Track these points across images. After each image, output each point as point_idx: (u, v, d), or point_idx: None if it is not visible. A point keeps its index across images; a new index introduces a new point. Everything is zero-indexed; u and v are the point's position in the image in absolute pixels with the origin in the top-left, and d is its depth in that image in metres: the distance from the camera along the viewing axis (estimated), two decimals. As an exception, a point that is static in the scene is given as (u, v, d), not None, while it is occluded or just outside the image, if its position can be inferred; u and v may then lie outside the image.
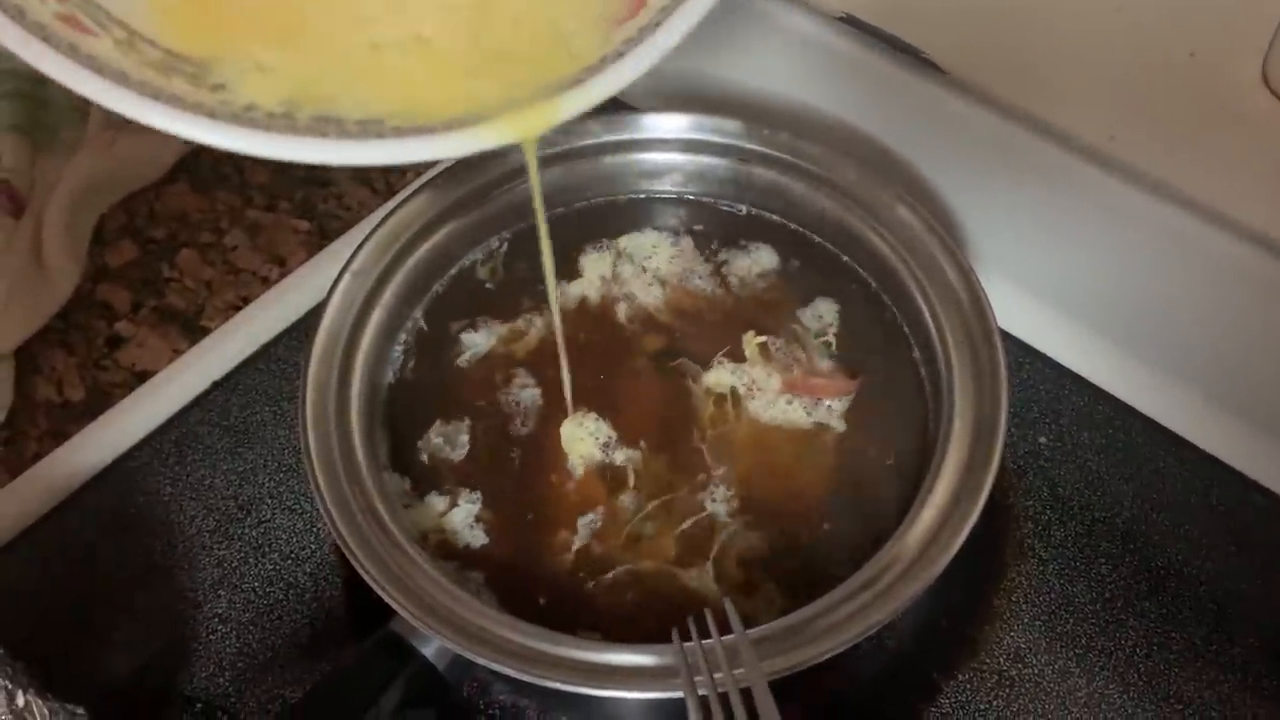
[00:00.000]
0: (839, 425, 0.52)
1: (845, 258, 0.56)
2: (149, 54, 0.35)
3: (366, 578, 0.43)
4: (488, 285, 0.57)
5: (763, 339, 0.54)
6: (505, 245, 0.58)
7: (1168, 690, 0.53)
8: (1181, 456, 0.60)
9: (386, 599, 0.43)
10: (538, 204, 0.45)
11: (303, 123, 0.35)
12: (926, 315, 0.51)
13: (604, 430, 0.52)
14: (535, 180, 0.42)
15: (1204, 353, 0.60)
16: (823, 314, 0.56)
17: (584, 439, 0.52)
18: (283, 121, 0.35)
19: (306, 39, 0.38)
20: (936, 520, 0.45)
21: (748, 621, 0.46)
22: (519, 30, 0.39)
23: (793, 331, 0.55)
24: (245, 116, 0.35)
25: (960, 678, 0.54)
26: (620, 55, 0.37)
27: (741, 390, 0.53)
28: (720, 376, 0.54)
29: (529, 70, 0.38)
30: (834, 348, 0.55)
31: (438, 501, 0.50)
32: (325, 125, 0.35)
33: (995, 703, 0.53)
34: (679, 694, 0.41)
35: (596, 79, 0.36)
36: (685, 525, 0.49)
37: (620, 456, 0.52)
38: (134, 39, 0.35)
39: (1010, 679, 0.54)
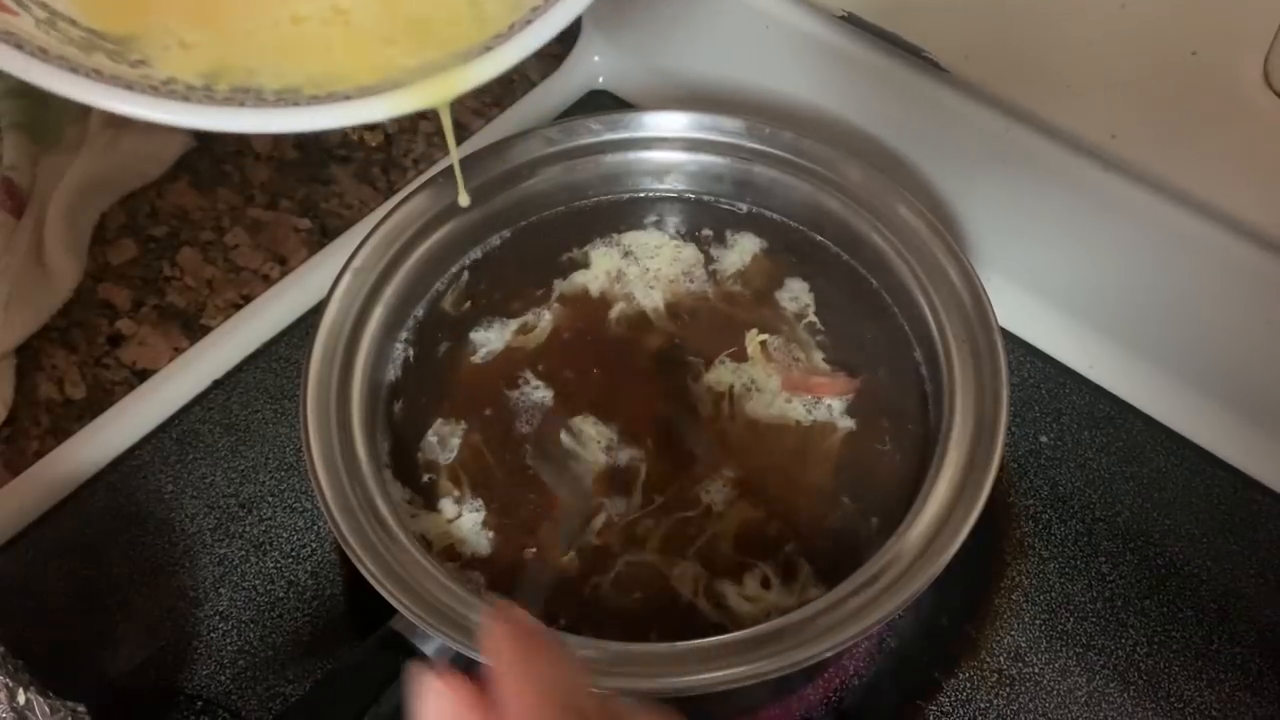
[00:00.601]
0: (840, 424, 0.52)
1: (846, 257, 0.56)
2: (70, 32, 0.36)
3: (367, 576, 0.43)
4: (486, 285, 0.57)
5: (764, 337, 0.54)
6: (498, 243, 0.58)
7: (1168, 689, 0.53)
8: (1182, 455, 0.60)
9: (387, 597, 0.43)
10: (453, 154, 0.47)
11: (221, 94, 0.36)
12: (928, 314, 0.51)
13: (605, 434, 0.52)
14: (450, 134, 0.43)
15: (1205, 351, 0.60)
16: (811, 306, 0.56)
17: (588, 445, 0.51)
18: (202, 93, 0.36)
19: (230, 15, 0.39)
20: (937, 519, 0.45)
21: (750, 620, 0.46)
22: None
23: (792, 330, 0.55)
24: (164, 89, 0.35)
25: (961, 676, 0.54)
26: (528, 22, 0.38)
27: (740, 389, 0.53)
28: (721, 375, 0.54)
29: (442, 38, 0.39)
30: (829, 345, 0.55)
31: (440, 504, 0.50)
32: (244, 95, 0.36)
33: (996, 701, 0.53)
34: (672, 690, 0.41)
35: (506, 45, 0.38)
36: (686, 525, 0.49)
37: (625, 457, 0.51)
38: (55, 18, 0.36)
39: (1011, 677, 0.54)
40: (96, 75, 0.34)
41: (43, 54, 0.34)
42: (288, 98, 0.36)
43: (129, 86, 0.35)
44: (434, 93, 0.38)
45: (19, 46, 0.34)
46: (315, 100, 0.36)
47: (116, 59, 0.36)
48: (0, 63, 0.33)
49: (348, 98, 0.36)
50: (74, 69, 0.34)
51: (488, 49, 0.38)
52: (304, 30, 0.39)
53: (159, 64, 0.37)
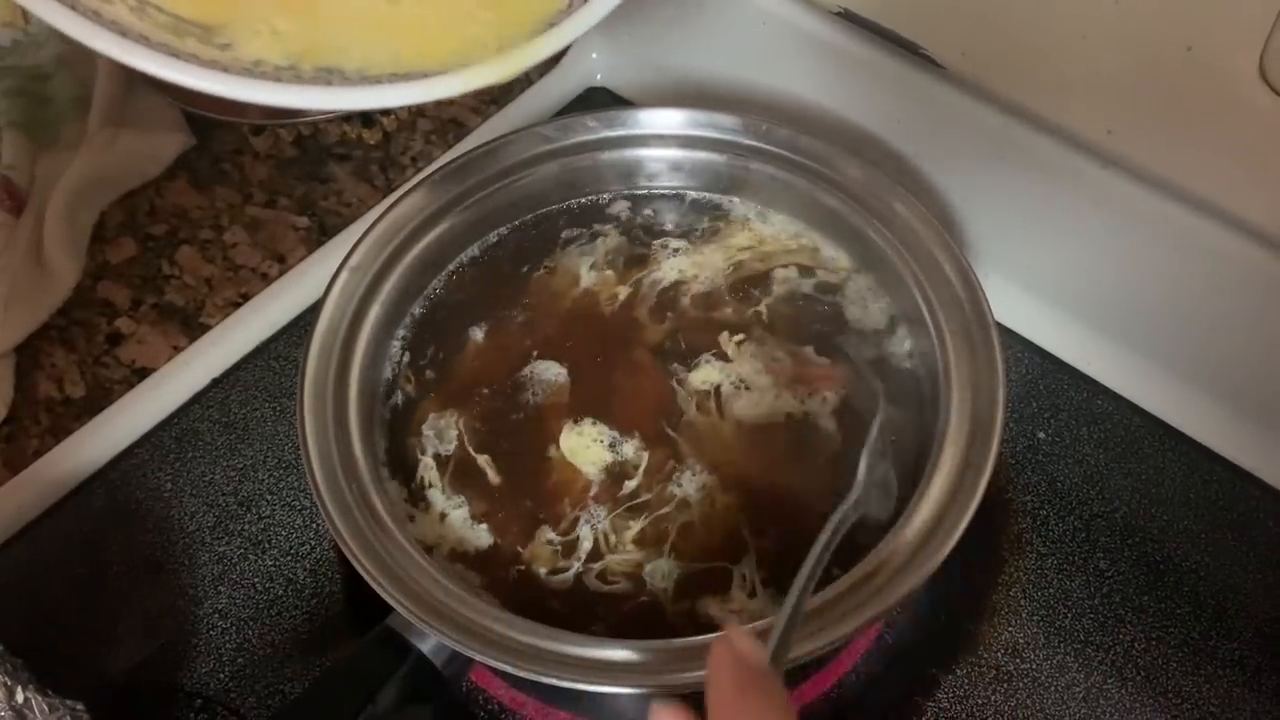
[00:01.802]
0: (833, 419, 0.52)
1: (843, 253, 0.56)
2: (158, 19, 0.37)
3: (364, 574, 0.43)
4: (483, 283, 0.57)
5: (740, 337, 0.54)
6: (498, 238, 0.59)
7: (1166, 685, 0.53)
8: (1180, 451, 0.60)
9: (383, 595, 0.43)
10: None
11: (308, 74, 0.38)
12: (924, 310, 0.51)
13: (605, 431, 0.52)
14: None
15: (1202, 347, 0.60)
16: (808, 301, 0.56)
17: (589, 446, 0.51)
18: (289, 73, 0.37)
19: (325, 4, 0.40)
20: (933, 515, 0.45)
21: (746, 617, 0.46)
22: None
23: (785, 326, 0.55)
24: (255, 70, 0.37)
25: (958, 672, 0.54)
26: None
27: (729, 388, 0.53)
28: (707, 374, 0.53)
29: (519, 16, 0.41)
30: (824, 339, 0.54)
31: (437, 500, 0.50)
32: (329, 75, 0.38)
33: (994, 697, 0.53)
34: (678, 689, 0.41)
35: (568, 21, 0.41)
36: (678, 521, 0.49)
37: (627, 450, 0.51)
38: (144, 5, 0.37)
39: (1008, 673, 0.54)
40: (194, 59, 0.36)
41: (145, 40, 0.35)
42: (370, 77, 0.38)
43: (225, 69, 0.36)
44: (510, 67, 0.39)
45: (123, 34, 0.35)
46: (396, 78, 0.38)
47: (204, 43, 0.37)
48: (106, 49, 0.35)
49: (427, 74, 0.38)
50: (175, 54, 0.36)
51: (551, 25, 0.40)
52: (399, 10, 0.41)
53: (246, 48, 0.38)
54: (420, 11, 0.41)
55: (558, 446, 0.51)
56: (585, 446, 0.51)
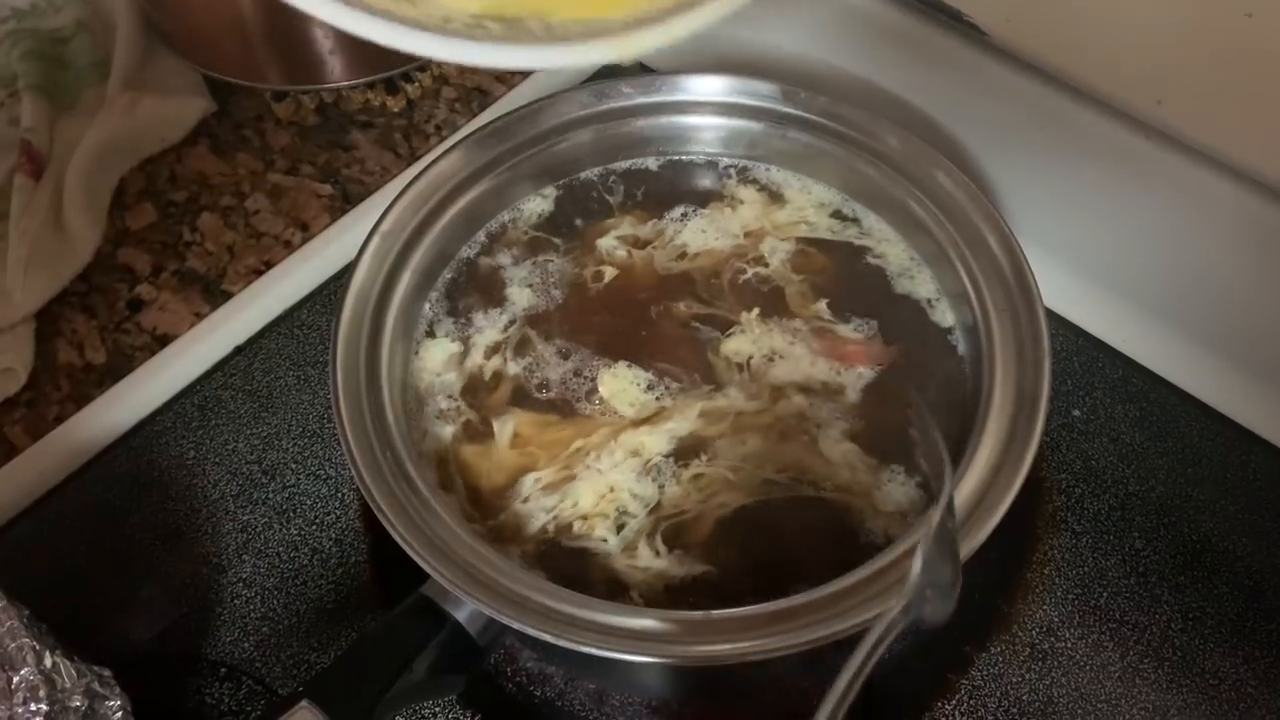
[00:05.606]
0: (873, 395, 0.51)
1: (883, 224, 0.55)
2: None
3: (400, 541, 0.43)
4: (513, 248, 0.56)
5: (770, 309, 0.53)
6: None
7: (1202, 665, 0.52)
8: (1217, 430, 0.59)
9: (421, 563, 0.42)
10: None
11: (496, 32, 0.37)
12: (966, 283, 0.50)
13: (643, 375, 0.51)
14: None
15: (1242, 325, 0.59)
16: (845, 273, 0.55)
17: (627, 387, 0.51)
18: (480, 31, 0.36)
19: None
20: (977, 491, 0.44)
21: (781, 589, 0.46)
22: None
23: (804, 302, 0.54)
24: (449, 29, 0.36)
25: (993, 650, 0.53)
26: None
27: (760, 358, 0.52)
28: (739, 345, 0.53)
29: None
30: (861, 313, 0.54)
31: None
32: (516, 32, 0.37)
33: (1028, 675, 0.52)
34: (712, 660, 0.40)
35: None
36: (720, 496, 0.49)
37: (665, 398, 0.51)
38: None
39: (1043, 652, 0.53)
40: (395, 19, 0.35)
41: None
42: (557, 33, 0.37)
43: (424, 28, 0.36)
44: (685, 27, 0.38)
45: None
46: (586, 36, 0.37)
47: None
48: (312, 9, 0.35)
49: (611, 33, 0.37)
50: (372, 13, 0.35)
51: None
52: None
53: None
54: None
55: (594, 410, 0.51)
56: (623, 389, 0.51)
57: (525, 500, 0.48)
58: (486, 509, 0.48)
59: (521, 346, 0.53)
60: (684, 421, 0.50)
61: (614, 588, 0.46)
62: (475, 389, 0.52)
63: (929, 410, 0.41)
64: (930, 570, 0.37)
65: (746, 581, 0.46)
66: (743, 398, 0.51)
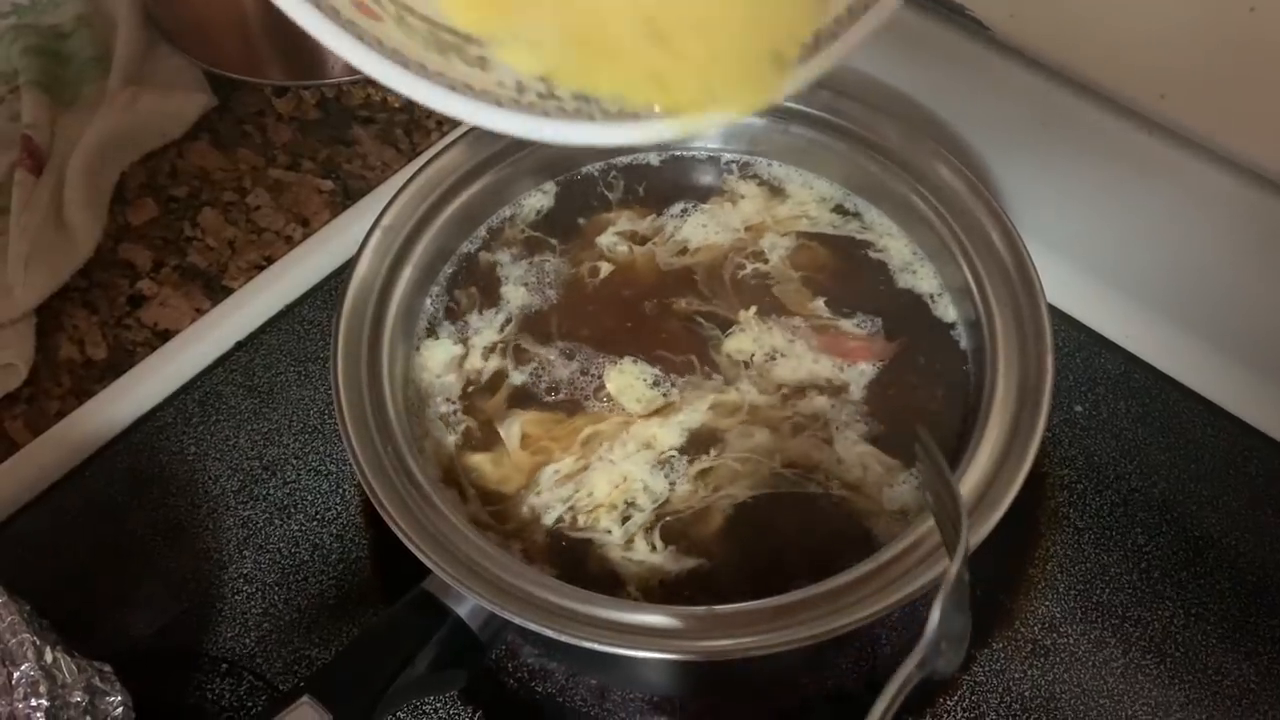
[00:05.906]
0: (873, 391, 0.51)
1: (885, 219, 0.55)
2: (417, 26, 0.37)
3: (401, 536, 0.42)
4: (514, 243, 0.56)
5: (771, 307, 0.53)
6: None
7: (1204, 661, 0.52)
8: (1219, 426, 0.59)
9: (422, 558, 0.42)
10: None
11: (568, 102, 0.37)
12: (969, 278, 0.50)
13: (649, 371, 0.51)
14: None
15: (1244, 321, 0.59)
16: (846, 268, 0.55)
17: (634, 383, 0.51)
18: (552, 104, 0.37)
19: (598, 34, 0.38)
20: (979, 487, 0.44)
21: (779, 587, 0.45)
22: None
23: (806, 298, 0.54)
24: (523, 101, 0.37)
25: (995, 646, 0.53)
26: (834, 36, 0.37)
27: (761, 357, 0.52)
28: (741, 344, 0.52)
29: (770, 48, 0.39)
30: (862, 309, 0.53)
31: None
32: (586, 105, 0.37)
33: (1030, 671, 0.52)
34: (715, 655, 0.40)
35: (808, 62, 0.37)
36: (726, 488, 0.48)
37: (672, 393, 0.51)
38: (405, 14, 0.37)
39: (1045, 648, 0.53)
40: (469, 91, 0.36)
41: (407, 65, 0.36)
42: (627, 111, 0.37)
43: (498, 102, 0.36)
44: (757, 104, 0.39)
45: (380, 47, 0.35)
46: (655, 115, 0.37)
47: (461, 56, 0.37)
48: (372, 71, 0.35)
49: (680, 112, 0.37)
50: (451, 86, 0.36)
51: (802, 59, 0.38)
52: (668, 43, 0.38)
53: (501, 53, 0.37)
54: (688, 47, 0.38)
55: (596, 404, 0.51)
56: (629, 385, 0.51)
57: (539, 493, 0.48)
58: (504, 515, 0.48)
59: (522, 347, 0.53)
60: (694, 414, 0.50)
61: (611, 582, 0.46)
62: (475, 392, 0.51)
63: (943, 456, 0.40)
64: (946, 623, 0.37)
65: (743, 578, 0.46)
66: (754, 391, 0.51)
